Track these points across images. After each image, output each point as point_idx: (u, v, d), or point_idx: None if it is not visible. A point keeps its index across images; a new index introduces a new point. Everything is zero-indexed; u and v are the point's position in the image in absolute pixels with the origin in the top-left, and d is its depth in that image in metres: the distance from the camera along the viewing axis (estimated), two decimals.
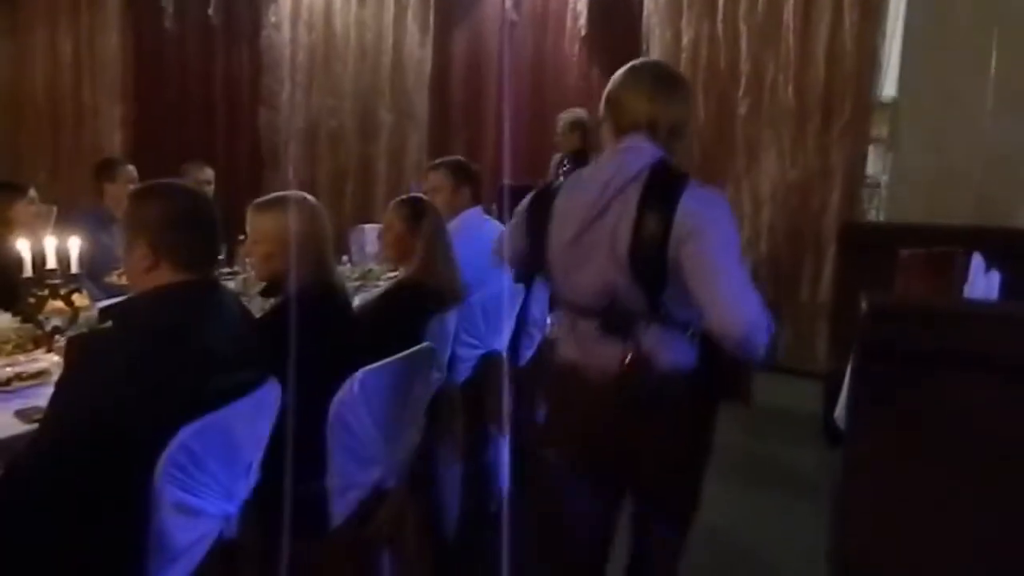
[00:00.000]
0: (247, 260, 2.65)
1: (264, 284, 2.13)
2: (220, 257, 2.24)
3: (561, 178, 4.15)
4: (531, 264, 1.83)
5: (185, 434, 1.47)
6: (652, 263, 1.60)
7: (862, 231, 4.50)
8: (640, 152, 1.67)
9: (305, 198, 2.11)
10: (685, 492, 1.84)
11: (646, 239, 1.60)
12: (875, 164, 5.52)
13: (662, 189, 1.62)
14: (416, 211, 2.51)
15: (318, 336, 1.85)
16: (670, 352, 1.67)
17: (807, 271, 5.19)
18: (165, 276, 1.62)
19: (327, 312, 2.02)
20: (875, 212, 5.56)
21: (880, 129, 5.24)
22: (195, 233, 1.65)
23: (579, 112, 4.83)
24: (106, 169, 3.87)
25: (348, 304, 2.23)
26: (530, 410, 3.54)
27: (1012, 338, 1.78)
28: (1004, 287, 2.72)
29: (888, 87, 5.13)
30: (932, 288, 3.02)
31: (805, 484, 3.54)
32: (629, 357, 1.64)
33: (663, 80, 1.73)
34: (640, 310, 1.65)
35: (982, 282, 2.72)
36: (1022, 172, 4.66)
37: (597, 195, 1.67)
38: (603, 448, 1.77)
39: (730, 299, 1.54)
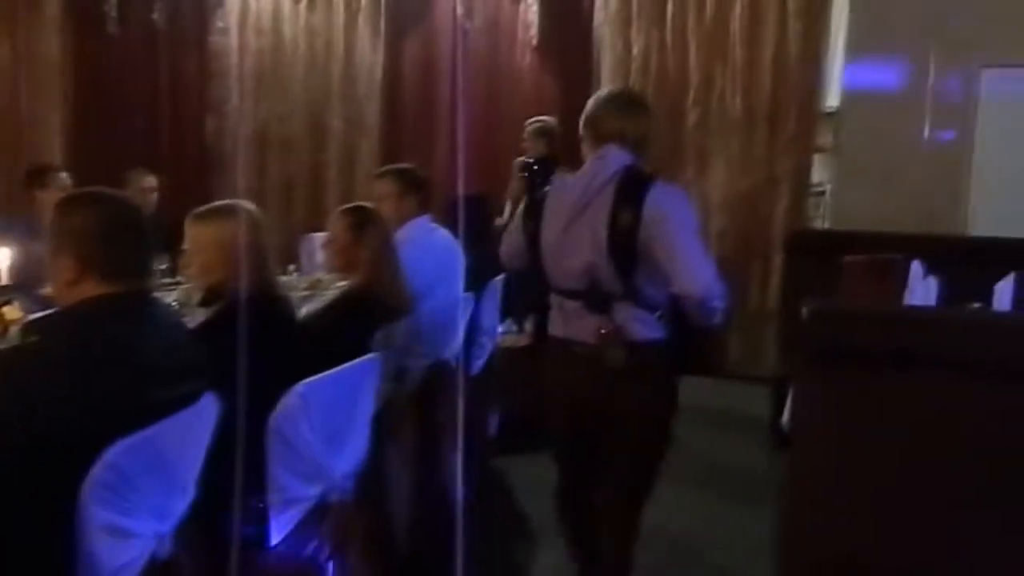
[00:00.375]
0: (185, 271, 2.58)
1: (203, 295, 2.07)
2: (159, 267, 2.17)
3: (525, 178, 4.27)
4: (528, 257, 2.18)
5: (112, 453, 1.41)
6: (625, 248, 1.95)
7: (808, 238, 4.58)
8: (614, 159, 2.04)
9: (244, 207, 2.06)
10: (648, 460, 2.16)
11: (620, 228, 1.95)
12: (821, 172, 5.64)
13: (633, 188, 1.98)
14: (360, 220, 2.47)
15: (259, 347, 1.79)
16: (641, 326, 2.01)
17: (756, 278, 5.27)
18: (92, 288, 1.56)
19: (268, 322, 1.97)
20: (822, 220, 5.68)
21: (826, 138, 5.36)
22: (123, 243, 1.59)
23: (546, 120, 4.90)
24: (37, 177, 3.72)
25: (292, 315, 2.18)
26: (482, 419, 3.52)
27: (946, 340, 1.82)
28: (940, 292, 2.79)
29: (833, 97, 5.26)
30: (875, 294, 3.08)
31: (753, 487, 3.59)
32: (605, 329, 1.99)
33: (629, 101, 2.16)
34: (616, 291, 2.00)
35: (920, 288, 2.78)
36: (959, 179, 4.80)
37: (580, 195, 2.04)
38: (585, 412, 2.11)
39: (689, 267, 1.91)
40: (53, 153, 6.26)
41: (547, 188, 2.17)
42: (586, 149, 2.13)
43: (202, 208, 2.07)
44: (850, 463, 1.90)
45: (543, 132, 4.81)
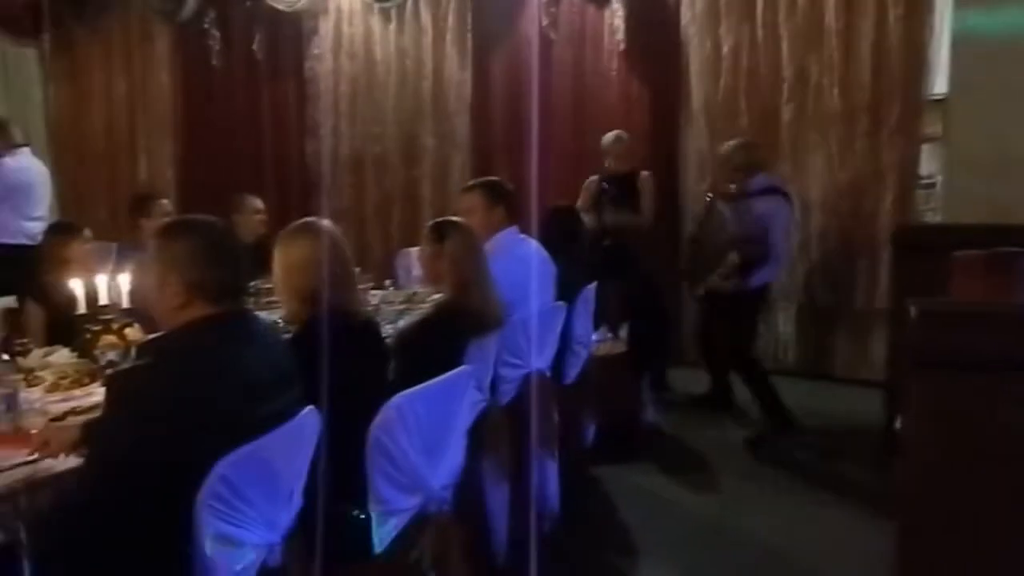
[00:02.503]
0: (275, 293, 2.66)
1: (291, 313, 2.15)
2: (252, 284, 2.28)
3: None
4: None
5: (224, 465, 1.48)
6: None
7: (916, 233, 4.34)
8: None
9: (327, 224, 2.14)
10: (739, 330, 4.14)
11: None
12: (930, 164, 5.35)
13: None
14: (439, 233, 2.52)
15: (347, 361, 1.85)
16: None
17: (862, 277, 5.05)
18: (198, 310, 1.65)
19: (355, 337, 2.03)
20: (933, 213, 5.39)
21: (934, 127, 5.09)
22: (224, 266, 1.68)
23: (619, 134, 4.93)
24: (141, 204, 3.90)
25: (377, 329, 2.24)
26: (578, 429, 3.51)
27: None
28: None
29: (940, 84, 4.98)
30: (989, 291, 2.89)
31: (865, 496, 3.42)
32: None
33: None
34: None
35: None
36: None
37: None
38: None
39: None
40: (167, 182, 6.66)
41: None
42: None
43: (288, 228, 2.16)
44: (964, 473, 1.80)
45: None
